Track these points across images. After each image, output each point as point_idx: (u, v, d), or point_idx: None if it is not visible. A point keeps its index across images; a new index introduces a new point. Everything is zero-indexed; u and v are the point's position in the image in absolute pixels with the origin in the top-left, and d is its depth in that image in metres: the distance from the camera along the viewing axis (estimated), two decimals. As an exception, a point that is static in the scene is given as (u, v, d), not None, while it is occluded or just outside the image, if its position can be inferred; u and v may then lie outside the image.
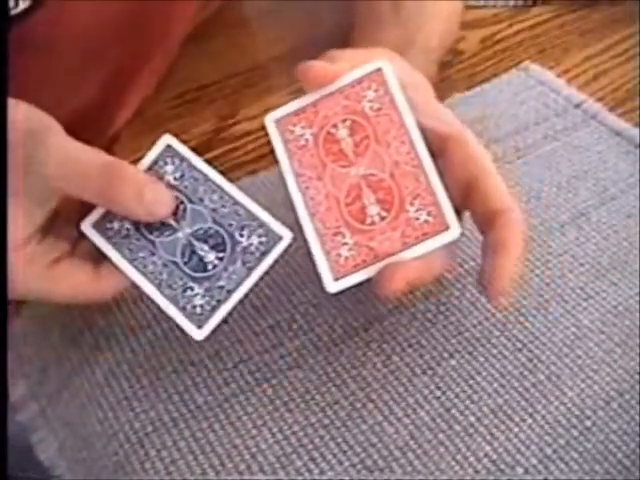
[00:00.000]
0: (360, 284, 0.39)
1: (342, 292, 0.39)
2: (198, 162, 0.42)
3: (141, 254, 0.41)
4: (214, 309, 0.39)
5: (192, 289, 0.40)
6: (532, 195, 0.51)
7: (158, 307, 0.40)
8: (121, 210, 0.40)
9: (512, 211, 0.40)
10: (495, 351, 0.44)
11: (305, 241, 0.40)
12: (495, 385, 0.42)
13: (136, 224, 0.41)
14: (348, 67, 0.41)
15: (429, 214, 0.39)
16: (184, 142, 0.42)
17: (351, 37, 0.54)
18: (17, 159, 0.39)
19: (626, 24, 0.65)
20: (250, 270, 0.39)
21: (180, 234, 0.41)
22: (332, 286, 0.39)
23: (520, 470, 0.39)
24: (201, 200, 0.41)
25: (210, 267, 0.40)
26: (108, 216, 0.42)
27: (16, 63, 0.44)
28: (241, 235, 0.40)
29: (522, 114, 0.57)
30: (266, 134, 0.42)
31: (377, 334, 0.45)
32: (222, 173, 0.42)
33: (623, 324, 0.44)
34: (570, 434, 0.40)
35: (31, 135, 0.39)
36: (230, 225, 0.40)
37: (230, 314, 0.40)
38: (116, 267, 0.41)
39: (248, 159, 0.56)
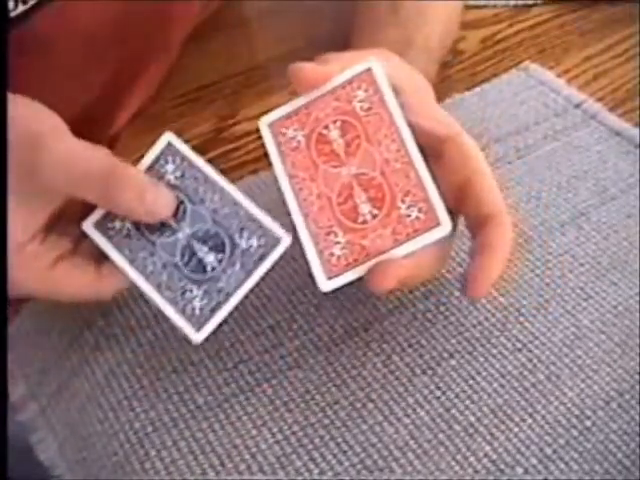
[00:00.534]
0: (353, 282, 0.39)
1: (335, 291, 0.39)
2: (199, 161, 0.42)
3: (141, 254, 0.41)
4: (212, 312, 0.39)
5: (191, 291, 0.40)
6: (532, 195, 0.51)
7: (157, 309, 0.40)
8: (122, 211, 0.41)
9: (503, 215, 0.40)
10: (495, 351, 0.44)
11: (298, 241, 0.40)
12: (495, 385, 0.42)
13: (137, 224, 0.41)
14: (339, 68, 0.41)
15: (420, 211, 0.39)
16: (184, 142, 0.42)
17: (351, 38, 0.55)
18: (18, 158, 0.39)
19: (626, 24, 0.65)
20: (248, 273, 0.39)
21: (180, 235, 0.41)
22: (325, 285, 0.39)
23: (520, 470, 0.39)
24: (202, 200, 0.41)
25: (209, 269, 0.40)
26: (110, 216, 0.42)
27: (16, 64, 0.44)
28: (240, 237, 0.40)
29: (522, 114, 0.57)
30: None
31: (377, 334, 0.45)
32: (223, 173, 0.42)
33: (623, 324, 0.44)
34: (570, 434, 0.40)
35: (34, 135, 0.39)
36: (230, 227, 0.40)
37: (228, 317, 0.40)
38: (117, 267, 0.41)
39: (248, 159, 0.56)
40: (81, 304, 0.44)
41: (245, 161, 0.56)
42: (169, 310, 0.40)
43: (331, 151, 0.41)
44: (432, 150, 0.41)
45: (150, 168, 0.42)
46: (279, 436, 0.41)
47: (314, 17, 0.67)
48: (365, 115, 0.41)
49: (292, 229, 0.40)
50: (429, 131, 0.41)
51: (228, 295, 0.39)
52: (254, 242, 0.40)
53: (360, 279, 0.39)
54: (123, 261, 0.41)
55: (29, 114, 0.40)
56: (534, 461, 0.40)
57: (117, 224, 0.41)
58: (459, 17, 0.60)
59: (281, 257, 0.39)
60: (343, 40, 0.53)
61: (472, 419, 0.41)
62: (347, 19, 0.57)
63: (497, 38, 0.65)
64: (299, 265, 0.47)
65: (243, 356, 0.44)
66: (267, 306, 0.46)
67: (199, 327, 0.39)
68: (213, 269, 0.40)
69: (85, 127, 0.41)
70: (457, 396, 0.42)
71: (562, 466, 0.39)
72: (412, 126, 0.40)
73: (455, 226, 0.41)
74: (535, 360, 0.43)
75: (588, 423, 0.41)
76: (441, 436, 0.41)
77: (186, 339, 0.40)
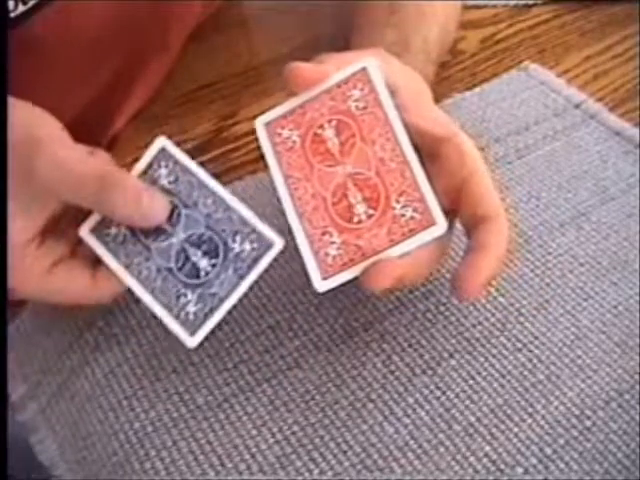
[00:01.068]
0: (349, 282, 0.39)
1: (331, 291, 0.39)
2: (192, 165, 0.42)
3: (136, 260, 0.41)
4: (206, 316, 0.39)
5: (185, 296, 0.40)
6: (532, 195, 0.51)
7: (152, 312, 0.40)
8: (117, 217, 0.41)
9: (498, 216, 0.40)
10: (495, 351, 0.44)
11: (294, 241, 0.40)
12: (495, 385, 0.42)
13: (133, 229, 0.41)
14: (335, 68, 0.41)
15: (415, 210, 0.39)
16: (184, 142, 0.43)
17: (350, 38, 0.54)
18: (16, 162, 0.39)
19: (626, 24, 0.65)
20: (241, 277, 0.39)
21: (174, 239, 0.41)
22: (321, 285, 0.39)
23: (520, 470, 0.39)
24: (195, 204, 0.41)
25: (203, 274, 0.40)
26: (106, 221, 0.42)
27: (16, 65, 0.44)
28: (234, 241, 0.40)
29: (522, 114, 0.57)
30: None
31: (377, 334, 0.45)
32: (222, 173, 0.42)
33: (623, 324, 0.44)
34: (570, 434, 0.40)
35: (32, 140, 0.39)
36: (223, 231, 0.40)
37: (222, 321, 0.40)
38: (112, 272, 0.41)
39: (248, 159, 0.56)
40: (79, 307, 0.44)
41: (245, 161, 0.56)
42: (164, 315, 0.40)
43: (326, 150, 0.41)
44: (429, 150, 0.41)
45: (144, 173, 0.42)
46: (279, 436, 0.41)
47: (314, 17, 0.67)
48: (360, 114, 0.41)
49: (287, 229, 0.40)
50: (426, 131, 0.41)
51: (221, 300, 0.39)
52: (247, 246, 0.40)
53: (356, 279, 0.39)
54: (119, 266, 0.41)
55: (28, 119, 0.41)
56: (534, 461, 0.40)
57: (113, 230, 0.42)
58: (458, 18, 0.60)
59: (273, 261, 0.39)
60: (343, 40, 0.53)
61: (472, 419, 0.41)
62: (347, 20, 0.57)
63: (497, 38, 0.65)
64: (299, 265, 0.47)
65: (243, 356, 0.44)
66: (267, 306, 0.46)
67: (193, 331, 0.40)
68: (207, 274, 0.40)
69: (85, 127, 0.41)
70: (457, 396, 0.42)
71: (562, 466, 0.39)
72: (409, 126, 0.40)
73: (452, 226, 0.41)
74: (535, 360, 0.43)
75: (588, 423, 0.41)
76: (441, 436, 0.41)
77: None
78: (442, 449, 0.40)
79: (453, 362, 0.43)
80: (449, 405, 0.42)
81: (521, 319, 0.45)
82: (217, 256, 0.40)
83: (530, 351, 0.43)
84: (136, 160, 0.42)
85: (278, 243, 0.39)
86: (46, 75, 0.52)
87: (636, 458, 0.39)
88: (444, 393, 0.42)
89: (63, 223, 0.41)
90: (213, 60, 0.65)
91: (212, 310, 0.39)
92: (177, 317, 0.40)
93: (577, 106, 0.57)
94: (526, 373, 0.43)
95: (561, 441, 0.40)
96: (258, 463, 0.40)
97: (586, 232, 0.49)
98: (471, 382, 0.42)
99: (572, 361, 0.43)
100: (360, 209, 0.39)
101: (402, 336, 0.44)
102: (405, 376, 0.43)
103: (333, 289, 0.39)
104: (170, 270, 0.41)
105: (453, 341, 0.44)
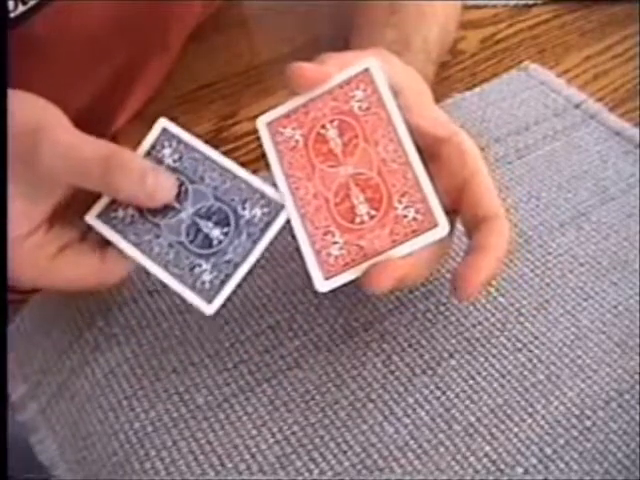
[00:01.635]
0: (350, 283, 0.39)
1: (333, 291, 0.39)
2: (195, 142, 0.42)
3: (147, 237, 0.41)
4: (223, 283, 0.40)
5: (200, 266, 0.40)
6: (532, 195, 0.51)
7: (167, 286, 0.40)
8: (124, 197, 0.41)
9: (499, 217, 0.40)
10: (495, 351, 0.44)
11: (296, 241, 0.40)
12: (495, 385, 0.42)
13: (140, 210, 0.42)
14: (337, 68, 0.41)
15: (417, 211, 0.39)
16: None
17: (350, 38, 0.54)
18: (18, 149, 0.39)
19: (626, 24, 0.65)
20: (255, 242, 0.40)
21: (183, 215, 0.41)
22: (322, 285, 0.39)
23: (520, 470, 0.39)
24: (202, 179, 0.41)
25: (216, 243, 0.40)
26: (112, 206, 0.42)
27: (16, 65, 0.44)
28: (244, 208, 0.40)
29: (522, 114, 0.57)
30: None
31: (377, 334, 0.45)
32: None
33: (623, 324, 0.44)
34: (570, 434, 0.40)
35: (33, 126, 0.39)
36: (232, 200, 0.41)
37: (238, 286, 0.40)
38: (123, 253, 0.41)
39: (248, 159, 0.56)
40: (83, 297, 0.44)
41: (245, 161, 0.56)
42: (178, 287, 0.40)
43: (329, 151, 0.41)
44: (430, 151, 0.41)
45: (147, 155, 0.42)
46: (279, 436, 0.41)
47: (314, 17, 0.67)
48: (363, 115, 0.41)
49: (289, 229, 0.40)
50: (427, 131, 0.41)
51: (237, 266, 0.40)
52: (257, 211, 0.40)
53: (357, 279, 0.39)
54: (129, 246, 0.41)
55: (27, 106, 0.41)
56: (534, 461, 0.40)
57: (120, 212, 0.42)
58: (458, 18, 0.60)
59: (286, 224, 0.40)
60: (343, 40, 0.53)
61: (472, 419, 0.41)
62: (346, 20, 0.57)
63: (497, 38, 0.65)
64: (299, 265, 0.47)
65: (243, 356, 0.44)
66: (267, 306, 0.46)
67: (210, 299, 0.40)
68: (220, 242, 0.40)
69: (85, 127, 0.41)
70: (457, 396, 0.42)
71: (562, 466, 0.39)
72: (410, 126, 0.40)
73: (453, 226, 0.41)
74: (535, 360, 0.43)
75: (588, 423, 0.41)
76: (441, 436, 0.41)
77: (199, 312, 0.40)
78: (442, 449, 0.40)
79: (453, 362, 0.43)
80: (449, 405, 0.42)
81: (521, 319, 0.45)
82: (228, 225, 0.40)
83: (530, 351, 0.43)
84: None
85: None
86: (46, 75, 0.52)
87: (636, 458, 0.39)
88: (444, 393, 0.42)
89: (72, 210, 0.42)
90: (213, 60, 0.65)
91: (228, 276, 0.40)
92: (193, 287, 0.40)
93: (577, 106, 0.57)
94: (526, 373, 0.43)
95: (561, 441, 0.40)
96: (258, 463, 0.40)
97: (586, 232, 0.49)
98: (471, 382, 0.42)
99: (572, 361, 0.43)
100: (362, 210, 0.39)
101: (402, 336, 0.44)
102: (405, 376, 0.43)
103: (334, 289, 0.39)
104: (181, 244, 0.41)
105: (453, 341, 0.44)
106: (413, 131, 0.40)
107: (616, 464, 0.39)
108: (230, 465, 0.40)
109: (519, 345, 0.44)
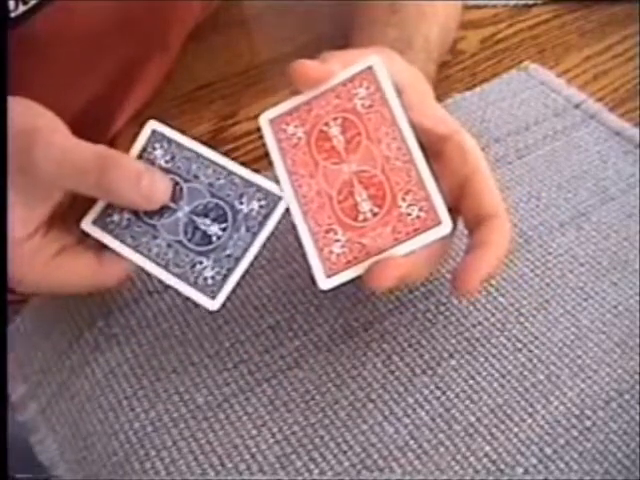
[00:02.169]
0: (353, 280, 0.39)
1: (335, 289, 0.39)
2: (186, 141, 0.42)
3: (144, 239, 0.41)
4: (225, 278, 0.40)
5: (200, 263, 0.40)
6: (532, 195, 0.51)
7: (169, 286, 0.40)
8: (119, 200, 0.41)
9: (501, 215, 0.40)
10: (495, 351, 0.44)
11: (298, 239, 0.40)
12: (495, 385, 0.42)
13: (135, 212, 0.42)
14: (340, 66, 0.41)
15: (421, 209, 0.39)
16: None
17: (350, 38, 0.55)
18: (14, 154, 0.39)
19: (626, 24, 0.65)
20: (255, 235, 0.40)
21: (180, 214, 0.41)
22: (324, 283, 0.39)
23: (520, 470, 0.39)
24: (196, 177, 0.41)
25: (215, 239, 0.40)
26: (107, 211, 0.42)
27: (16, 65, 0.44)
28: (241, 203, 0.40)
29: (522, 114, 0.57)
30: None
31: (377, 334, 0.45)
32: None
33: (623, 324, 0.44)
34: (570, 434, 0.40)
35: (28, 131, 0.39)
36: (228, 195, 0.41)
37: (241, 280, 0.40)
38: (122, 257, 0.41)
39: (248, 159, 0.56)
40: (82, 299, 0.44)
41: (245, 161, 0.56)
42: (181, 285, 0.40)
43: (331, 148, 0.41)
44: (432, 148, 0.41)
45: (139, 158, 0.42)
46: (279, 436, 0.41)
47: (314, 17, 0.67)
48: (366, 113, 0.41)
49: (291, 226, 0.40)
50: (430, 129, 0.41)
51: (238, 260, 0.40)
52: (255, 205, 0.40)
53: (359, 277, 0.39)
54: (127, 250, 0.41)
55: (24, 113, 0.41)
56: (534, 461, 0.40)
57: (116, 217, 0.42)
58: (458, 17, 0.60)
59: (287, 222, 0.40)
60: (343, 40, 0.53)
61: (472, 419, 0.41)
62: (347, 19, 0.57)
63: (497, 38, 0.65)
64: (299, 265, 0.48)
65: (243, 356, 0.44)
66: (267, 306, 0.46)
67: (214, 295, 0.40)
68: (219, 238, 0.40)
69: (85, 127, 0.41)
70: (457, 396, 0.42)
71: (562, 466, 0.39)
72: (413, 124, 0.40)
73: (455, 225, 0.41)
74: (535, 360, 0.43)
75: (588, 423, 0.41)
76: (441, 436, 0.41)
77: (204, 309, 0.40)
78: (442, 449, 0.40)
79: (453, 362, 0.43)
80: (449, 405, 0.42)
81: (521, 319, 0.45)
82: (226, 220, 0.40)
83: (530, 351, 0.43)
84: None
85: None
86: (46, 75, 0.52)
87: (636, 458, 0.39)
88: (444, 393, 0.42)
89: (69, 213, 0.42)
90: (213, 60, 0.65)
91: (230, 271, 0.40)
92: (195, 284, 0.40)
93: (577, 106, 0.57)
94: (526, 373, 0.43)
95: (561, 441, 0.40)
96: (258, 463, 0.40)
97: (586, 232, 0.49)
98: (471, 382, 0.42)
99: (572, 361, 0.43)
100: (365, 207, 0.39)
101: (402, 336, 0.44)
102: (405, 376, 0.43)
103: (336, 287, 0.39)
104: (180, 242, 0.41)
105: (453, 341, 0.44)
106: (415, 128, 0.40)
107: (616, 464, 0.39)
108: (230, 465, 0.40)
109: (519, 345, 0.44)
